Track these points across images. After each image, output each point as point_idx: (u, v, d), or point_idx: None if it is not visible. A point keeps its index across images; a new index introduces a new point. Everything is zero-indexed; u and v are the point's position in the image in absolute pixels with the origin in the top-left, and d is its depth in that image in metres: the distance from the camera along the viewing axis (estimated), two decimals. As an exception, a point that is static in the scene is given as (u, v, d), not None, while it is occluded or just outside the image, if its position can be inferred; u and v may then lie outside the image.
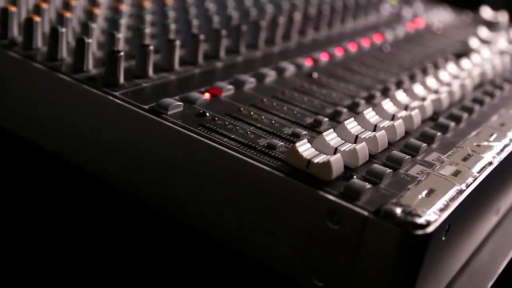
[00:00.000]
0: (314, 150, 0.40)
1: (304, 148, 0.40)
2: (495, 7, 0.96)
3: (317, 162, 0.39)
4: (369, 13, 0.83)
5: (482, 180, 0.43)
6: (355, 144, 0.42)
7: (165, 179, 0.44)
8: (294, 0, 0.75)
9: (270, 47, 0.64)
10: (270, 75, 0.55)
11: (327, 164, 0.38)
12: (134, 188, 0.47)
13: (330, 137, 0.42)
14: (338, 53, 0.66)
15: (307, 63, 0.61)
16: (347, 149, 0.41)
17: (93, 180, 0.48)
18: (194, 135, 0.42)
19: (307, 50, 0.65)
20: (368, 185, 0.39)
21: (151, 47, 0.50)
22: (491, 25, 0.89)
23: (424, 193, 0.39)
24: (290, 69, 0.58)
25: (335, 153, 0.41)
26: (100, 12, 0.59)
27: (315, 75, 0.58)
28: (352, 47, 0.68)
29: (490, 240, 0.54)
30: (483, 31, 0.79)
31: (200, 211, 0.44)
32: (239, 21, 0.65)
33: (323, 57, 0.63)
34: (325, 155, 0.40)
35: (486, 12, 0.92)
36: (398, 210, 0.36)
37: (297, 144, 0.40)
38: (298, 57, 0.62)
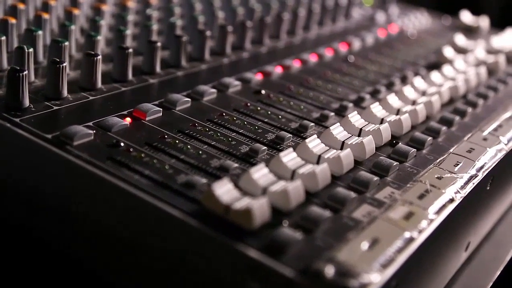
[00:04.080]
0: (236, 192, 0.34)
1: (224, 190, 0.33)
2: (487, 10, 0.90)
3: (237, 209, 0.32)
4: (337, 19, 0.77)
5: (441, 222, 0.37)
6: (289, 182, 0.35)
7: (66, 222, 0.38)
8: (252, 4, 0.68)
9: (218, 59, 0.57)
10: (210, 93, 0.49)
11: (247, 211, 0.32)
12: (36, 235, 0.40)
13: (260, 174, 0.36)
14: (296, 64, 0.59)
15: (257, 77, 0.54)
16: (278, 190, 0.35)
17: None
18: (97, 171, 0.35)
19: (261, 62, 0.58)
20: (300, 235, 0.32)
21: (64, 64, 0.43)
22: (471, 31, 0.82)
23: (366, 244, 0.32)
24: (235, 85, 0.51)
25: (264, 193, 0.35)
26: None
27: (263, 91, 0.51)
28: (312, 58, 0.62)
29: (459, 279, 0.48)
30: (460, 39, 0.73)
31: (104, 266, 0.37)
32: (182, 30, 0.58)
33: (277, 70, 0.57)
34: (248, 199, 0.33)
35: (466, 16, 0.85)
36: (330, 270, 0.30)
37: (215, 186, 0.33)
38: (248, 71, 0.55)
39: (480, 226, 0.50)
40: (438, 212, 0.37)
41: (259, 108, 0.48)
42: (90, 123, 0.41)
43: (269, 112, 0.48)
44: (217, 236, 0.32)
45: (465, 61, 0.64)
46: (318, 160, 0.39)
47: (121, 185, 0.35)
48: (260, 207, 0.32)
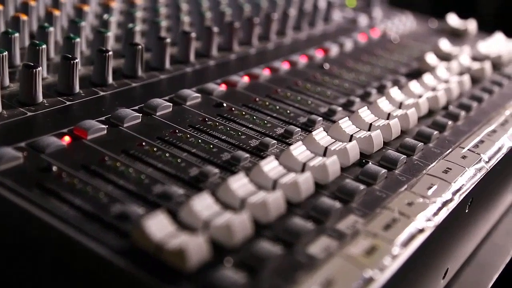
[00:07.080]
0: (172, 227, 0.30)
1: (157, 225, 0.29)
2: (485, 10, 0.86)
3: (169, 249, 0.28)
4: (316, 23, 0.72)
5: (409, 256, 0.33)
6: (235, 214, 0.31)
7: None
8: (222, 7, 0.64)
9: (180, 67, 0.53)
10: (164, 106, 0.45)
11: (181, 251, 0.28)
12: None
13: (202, 204, 0.32)
14: (265, 73, 0.55)
15: (221, 88, 0.50)
16: (222, 224, 0.30)
17: None
18: (19, 201, 0.31)
19: (228, 71, 0.54)
20: (242, 277, 0.28)
21: (-2, 78, 0.39)
22: (458, 35, 0.78)
23: (317, 288, 0.28)
24: (194, 97, 0.47)
25: (206, 227, 0.31)
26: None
27: (225, 104, 0.47)
28: (284, 66, 0.58)
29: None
30: (445, 44, 0.69)
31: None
32: (142, 36, 0.54)
33: (244, 80, 0.53)
34: (185, 236, 0.29)
35: (453, 19, 0.81)
36: (272, 321, 0.26)
37: (146, 221, 0.29)
38: (212, 81, 0.51)
39: (459, 251, 0.46)
40: (406, 244, 0.33)
41: (217, 124, 0.44)
42: (23, 144, 0.37)
43: (228, 128, 0.44)
44: (145, 279, 0.28)
45: (448, 69, 0.60)
46: (274, 185, 0.36)
47: (44, 218, 0.30)
48: (196, 246, 0.28)
